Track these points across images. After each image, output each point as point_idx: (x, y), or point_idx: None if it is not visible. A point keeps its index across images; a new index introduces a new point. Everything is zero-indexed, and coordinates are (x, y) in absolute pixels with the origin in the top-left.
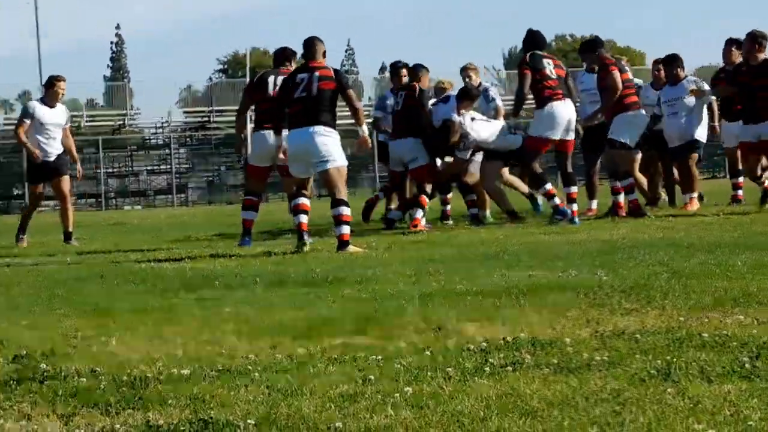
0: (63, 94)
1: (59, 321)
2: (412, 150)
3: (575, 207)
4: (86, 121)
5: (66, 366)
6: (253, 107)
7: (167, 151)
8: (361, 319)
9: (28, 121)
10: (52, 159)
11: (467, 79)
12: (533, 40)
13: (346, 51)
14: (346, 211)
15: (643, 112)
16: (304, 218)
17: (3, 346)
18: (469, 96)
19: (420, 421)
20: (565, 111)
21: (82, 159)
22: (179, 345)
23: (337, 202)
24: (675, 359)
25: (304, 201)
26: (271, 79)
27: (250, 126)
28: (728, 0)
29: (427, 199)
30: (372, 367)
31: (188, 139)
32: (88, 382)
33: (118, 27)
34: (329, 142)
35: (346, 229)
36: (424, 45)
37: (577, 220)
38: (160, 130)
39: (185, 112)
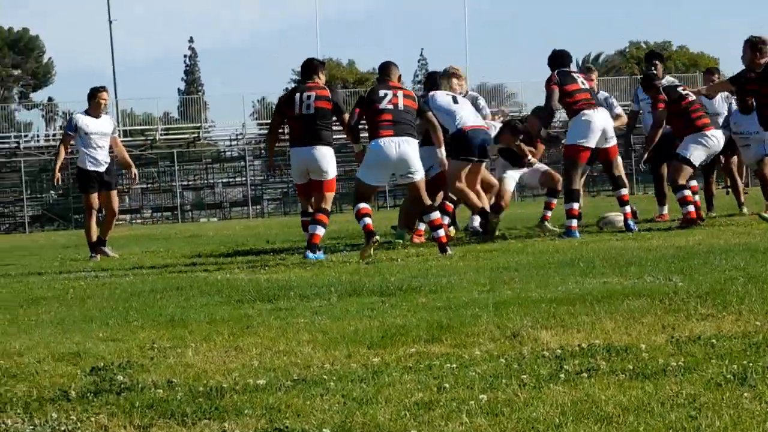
0: (106, 105)
1: (135, 333)
2: (427, 159)
3: (628, 209)
4: (161, 135)
5: (142, 377)
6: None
7: (242, 163)
8: (435, 328)
9: (72, 134)
10: (102, 169)
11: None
12: (558, 58)
13: (419, 61)
14: (436, 215)
15: (718, 132)
16: (368, 220)
17: (80, 359)
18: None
19: (495, 428)
20: (598, 119)
21: (157, 172)
22: (255, 355)
23: (428, 209)
24: (751, 364)
25: (364, 206)
26: (297, 96)
27: None
28: None
29: (452, 205)
30: (447, 374)
31: (263, 151)
32: (165, 393)
33: (191, 40)
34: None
35: (441, 232)
36: (496, 54)
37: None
38: (235, 142)
39: (259, 125)
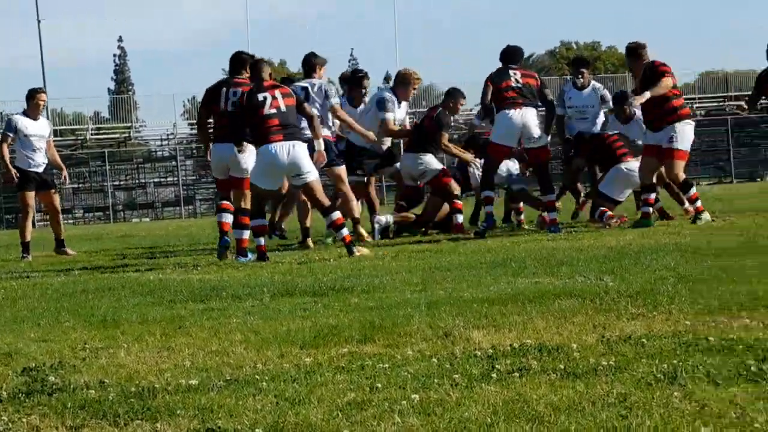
0: (44, 106)
1: (67, 333)
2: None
3: (555, 215)
4: (92, 134)
5: (74, 378)
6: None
7: (173, 163)
8: (367, 328)
9: (11, 135)
10: (40, 170)
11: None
12: (504, 54)
13: (349, 61)
14: (337, 214)
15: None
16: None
17: (11, 359)
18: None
19: (427, 428)
20: (517, 118)
21: (88, 172)
22: (187, 356)
23: (327, 210)
24: (681, 363)
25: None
26: (223, 91)
27: None
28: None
29: (460, 202)
30: (379, 374)
31: (194, 151)
32: (97, 393)
33: (120, 40)
34: (306, 156)
35: (345, 231)
36: (426, 55)
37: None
38: (166, 142)
39: (190, 124)
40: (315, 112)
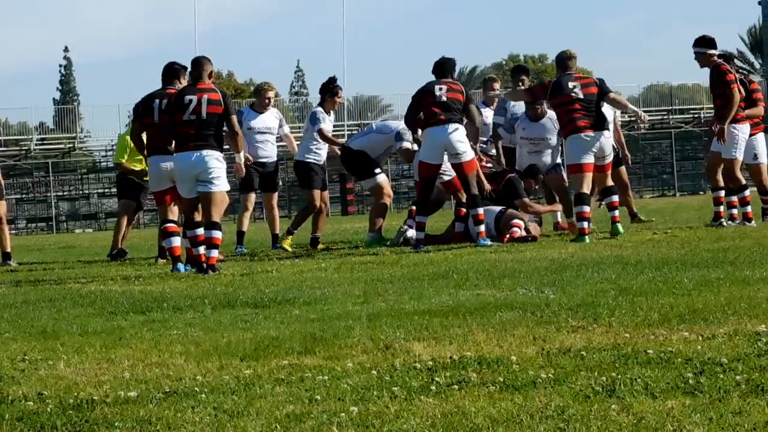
0: None
1: (6, 345)
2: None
3: (482, 228)
4: (36, 145)
5: (13, 390)
6: None
7: (117, 172)
8: (308, 340)
9: None
10: None
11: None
12: (434, 67)
13: (295, 72)
14: (218, 234)
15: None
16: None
17: None
18: None
19: None
20: (439, 136)
21: (32, 183)
22: (127, 367)
23: (211, 225)
24: (620, 376)
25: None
26: (156, 102)
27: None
28: (676, 19)
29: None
30: (318, 386)
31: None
32: (35, 405)
33: (66, 50)
34: (219, 166)
35: (215, 253)
36: (373, 66)
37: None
38: (110, 152)
39: None
40: (238, 129)
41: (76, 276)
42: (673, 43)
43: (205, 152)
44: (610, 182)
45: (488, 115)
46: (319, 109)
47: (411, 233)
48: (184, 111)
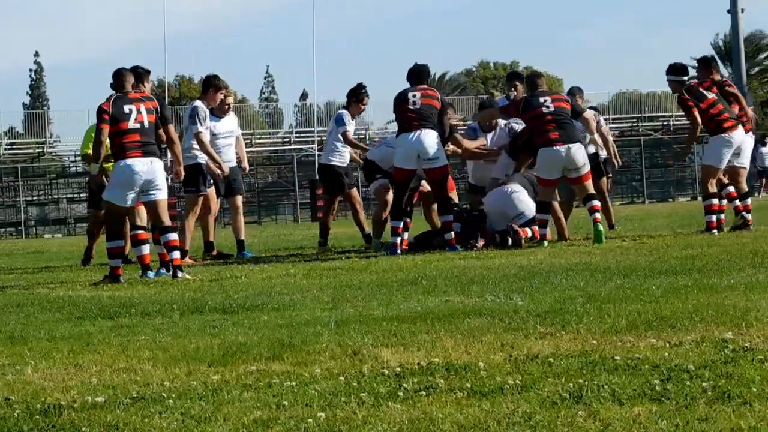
0: None
1: None
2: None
3: (451, 235)
4: (5, 150)
5: None
6: None
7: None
8: (276, 346)
9: None
10: None
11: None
12: (408, 74)
13: (265, 78)
14: (174, 236)
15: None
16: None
17: None
18: None
19: None
20: (411, 141)
21: (1, 188)
22: (94, 373)
23: (165, 230)
24: (587, 382)
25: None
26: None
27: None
28: (646, 27)
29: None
30: (286, 392)
31: None
32: (2, 410)
33: (37, 54)
34: (163, 173)
35: (177, 254)
36: (344, 73)
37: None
38: (80, 158)
39: None
40: (175, 137)
41: (45, 281)
42: (642, 51)
43: (150, 159)
44: (591, 191)
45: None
46: (345, 111)
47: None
48: (126, 120)
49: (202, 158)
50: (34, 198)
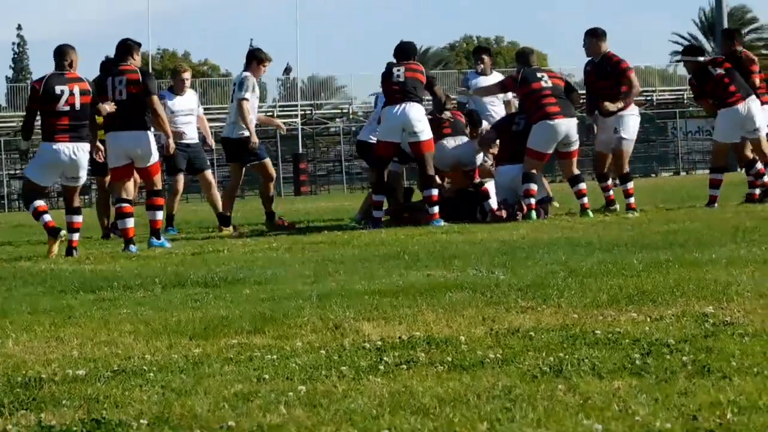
0: None
1: None
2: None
3: (436, 210)
4: None
5: None
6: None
7: None
8: (258, 319)
9: None
10: None
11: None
12: (395, 50)
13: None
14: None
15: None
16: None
17: None
18: None
19: (312, 419)
20: (395, 115)
21: None
22: (75, 346)
23: (75, 210)
24: (567, 356)
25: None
26: (109, 81)
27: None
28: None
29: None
30: (267, 366)
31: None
32: None
33: (19, 28)
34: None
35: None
36: (327, 47)
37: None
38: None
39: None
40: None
41: (27, 254)
42: (624, 25)
43: (76, 145)
44: (575, 170)
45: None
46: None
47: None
48: (56, 101)
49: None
50: (17, 172)
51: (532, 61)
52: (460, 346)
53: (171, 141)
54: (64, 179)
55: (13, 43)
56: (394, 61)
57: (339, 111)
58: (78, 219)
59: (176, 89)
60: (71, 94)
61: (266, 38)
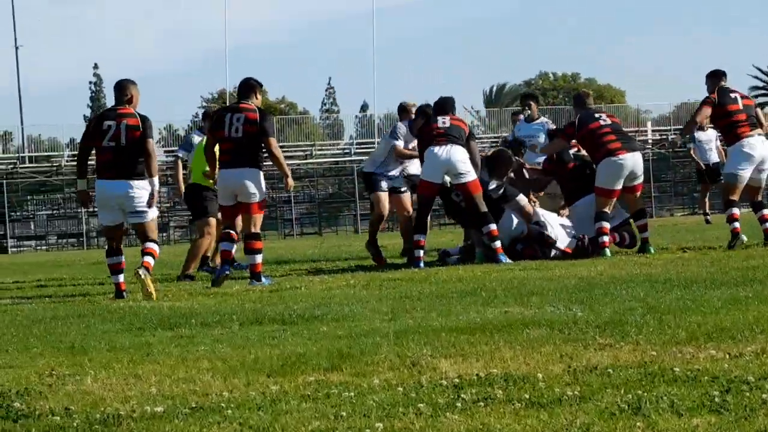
0: None
1: (34, 360)
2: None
3: (498, 244)
4: (67, 161)
5: (40, 404)
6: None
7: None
8: (335, 356)
9: None
10: None
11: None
12: (435, 107)
13: (326, 90)
14: (154, 246)
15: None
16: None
17: None
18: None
19: None
20: (437, 156)
21: (62, 198)
22: (154, 383)
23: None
24: (646, 393)
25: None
26: (227, 117)
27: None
28: (706, 38)
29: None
30: (344, 403)
31: (169, 178)
32: (62, 420)
33: (96, 67)
34: (144, 195)
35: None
36: (404, 84)
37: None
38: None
39: (166, 152)
40: (153, 150)
41: (105, 292)
42: (703, 60)
43: (125, 181)
44: (641, 204)
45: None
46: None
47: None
48: (102, 137)
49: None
50: (95, 210)
51: (589, 103)
52: (538, 383)
53: (290, 180)
54: (126, 216)
55: (90, 82)
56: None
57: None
58: (154, 246)
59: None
60: (118, 128)
61: (344, 76)
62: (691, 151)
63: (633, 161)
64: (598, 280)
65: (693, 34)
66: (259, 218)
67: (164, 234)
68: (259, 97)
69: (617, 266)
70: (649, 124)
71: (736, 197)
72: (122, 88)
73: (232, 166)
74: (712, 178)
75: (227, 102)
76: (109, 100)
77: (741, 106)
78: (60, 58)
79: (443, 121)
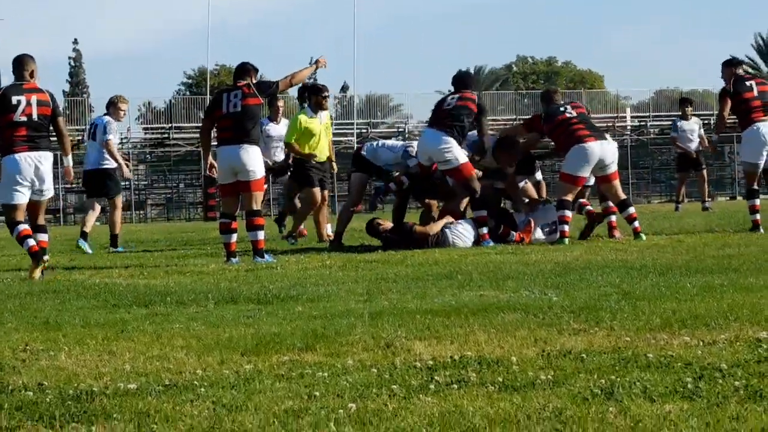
0: None
1: (8, 335)
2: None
3: (485, 230)
4: None
5: (13, 379)
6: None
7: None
8: (310, 336)
9: None
10: None
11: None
12: (454, 80)
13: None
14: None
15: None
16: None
17: None
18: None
19: None
20: (428, 141)
21: None
22: (128, 360)
23: (41, 228)
24: (619, 379)
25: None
26: (224, 96)
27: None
28: (691, 24)
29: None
30: (318, 383)
31: (148, 156)
32: (35, 396)
33: (75, 42)
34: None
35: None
36: (384, 66)
37: None
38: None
39: (144, 129)
40: (65, 128)
41: (81, 267)
42: (683, 48)
43: (38, 154)
44: (621, 194)
45: None
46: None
47: None
48: (12, 111)
49: None
50: (74, 186)
51: (556, 99)
52: (512, 367)
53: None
54: (32, 193)
55: (70, 58)
56: (452, 89)
57: (395, 130)
58: (44, 237)
59: (273, 117)
60: (28, 104)
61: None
62: (674, 140)
63: (601, 149)
64: (574, 265)
65: (673, 21)
66: (259, 195)
67: (141, 211)
68: (254, 80)
69: (593, 252)
70: (628, 110)
71: (756, 185)
72: (23, 63)
73: (232, 142)
74: (695, 166)
75: (207, 80)
76: (89, 75)
77: (756, 93)
78: (39, 33)
79: (449, 102)
